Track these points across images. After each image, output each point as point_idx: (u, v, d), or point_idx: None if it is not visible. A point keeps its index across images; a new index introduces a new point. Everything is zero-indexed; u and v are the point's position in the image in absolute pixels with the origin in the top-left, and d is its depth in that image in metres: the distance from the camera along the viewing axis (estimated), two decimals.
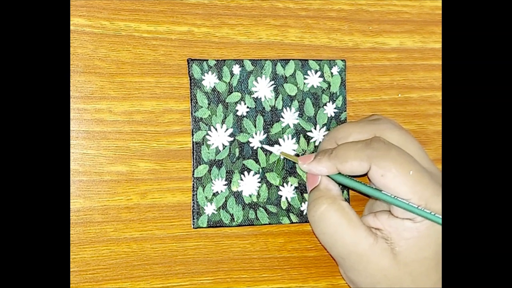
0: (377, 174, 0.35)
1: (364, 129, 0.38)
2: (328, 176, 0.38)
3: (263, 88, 0.41)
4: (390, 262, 0.35)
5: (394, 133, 0.38)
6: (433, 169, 0.38)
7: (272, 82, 0.41)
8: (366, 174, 0.37)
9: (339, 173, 0.38)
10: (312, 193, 0.38)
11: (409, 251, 0.35)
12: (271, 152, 0.41)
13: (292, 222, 0.41)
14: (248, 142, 0.41)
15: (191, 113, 0.40)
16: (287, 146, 0.41)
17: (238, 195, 0.41)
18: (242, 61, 0.41)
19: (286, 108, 0.41)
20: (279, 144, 0.41)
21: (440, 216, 0.34)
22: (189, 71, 0.40)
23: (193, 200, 0.40)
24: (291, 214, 0.41)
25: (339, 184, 0.38)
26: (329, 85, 0.42)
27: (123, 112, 0.39)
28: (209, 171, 0.40)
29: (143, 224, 0.39)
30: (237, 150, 0.41)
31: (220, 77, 0.41)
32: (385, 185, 0.35)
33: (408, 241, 0.35)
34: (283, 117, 0.41)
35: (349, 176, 0.38)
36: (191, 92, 0.40)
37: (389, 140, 0.37)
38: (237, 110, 0.41)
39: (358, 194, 0.42)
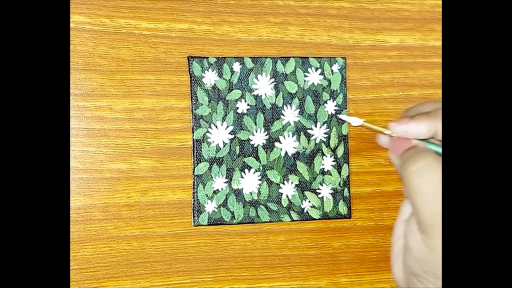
0: None
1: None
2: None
3: (263, 85, 0.41)
4: None
5: None
6: None
7: (273, 79, 0.41)
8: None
9: (427, 141, 0.34)
10: (410, 151, 0.34)
11: None
12: (271, 150, 0.41)
13: (293, 220, 0.41)
14: (249, 140, 0.41)
15: (192, 111, 0.40)
16: (288, 144, 0.41)
17: (238, 193, 0.41)
18: (243, 59, 0.41)
19: (286, 106, 0.41)
20: (280, 142, 0.41)
21: None
22: (189, 69, 0.40)
23: (193, 197, 0.40)
24: (291, 212, 0.41)
25: None
26: (330, 83, 0.42)
27: (123, 110, 0.39)
28: (210, 168, 0.40)
29: (144, 221, 0.39)
30: (237, 148, 0.41)
31: (220, 75, 0.41)
32: None
33: None
34: (283, 115, 0.41)
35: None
36: (191, 90, 0.40)
37: None
38: (237, 108, 0.41)
39: (358, 193, 0.42)
